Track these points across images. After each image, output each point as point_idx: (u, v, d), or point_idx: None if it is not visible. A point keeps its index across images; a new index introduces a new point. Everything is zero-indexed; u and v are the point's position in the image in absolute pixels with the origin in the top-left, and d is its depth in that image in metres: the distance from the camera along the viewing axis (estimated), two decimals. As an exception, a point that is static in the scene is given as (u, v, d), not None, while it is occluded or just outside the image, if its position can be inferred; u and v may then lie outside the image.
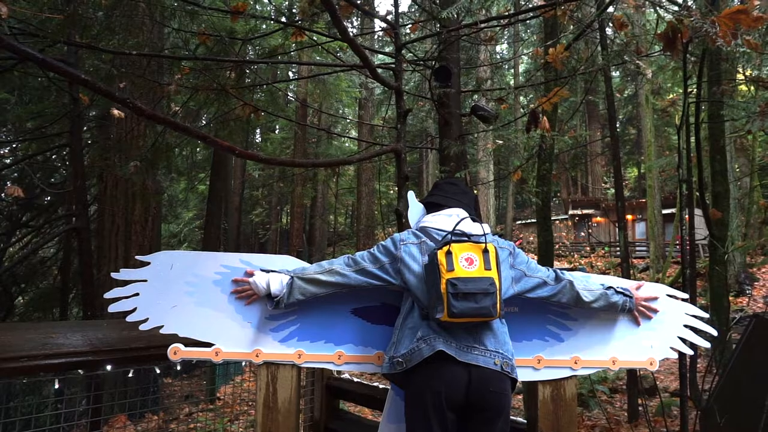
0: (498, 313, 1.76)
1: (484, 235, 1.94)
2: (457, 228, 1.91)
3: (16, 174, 10.12)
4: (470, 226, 1.99)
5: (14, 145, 9.74)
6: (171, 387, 8.29)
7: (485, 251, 1.82)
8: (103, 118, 8.84)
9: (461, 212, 2.08)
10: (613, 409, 6.06)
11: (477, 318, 1.75)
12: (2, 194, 9.31)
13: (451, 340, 1.80)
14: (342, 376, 3.38)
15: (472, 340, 1.81)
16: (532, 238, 28.00)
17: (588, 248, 27.13)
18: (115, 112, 6.11)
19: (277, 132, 23.99)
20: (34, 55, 1.43)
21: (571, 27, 5.11)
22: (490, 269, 1.79)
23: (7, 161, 9.23)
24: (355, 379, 3.36)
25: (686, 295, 2.26)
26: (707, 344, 2.27)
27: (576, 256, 25.45)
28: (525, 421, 2.31)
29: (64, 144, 8.37)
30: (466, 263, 1.79)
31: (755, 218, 15.08)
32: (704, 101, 5.77)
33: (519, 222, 33.43)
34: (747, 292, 13.12)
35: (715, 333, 2.25)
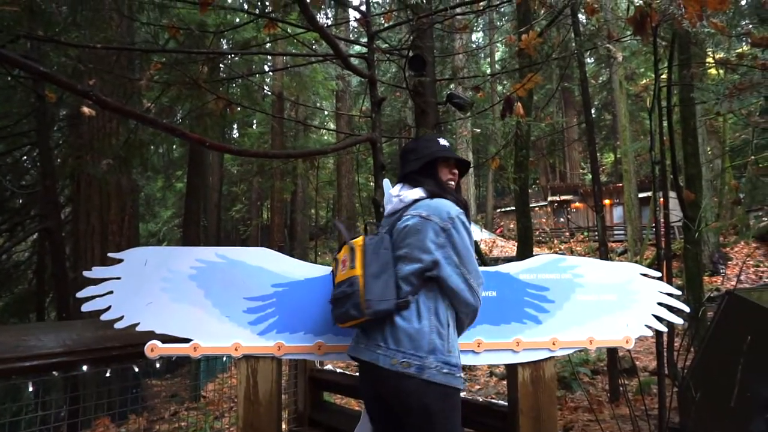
0: (362, 313, 1.68)
1: (405, 208, 1.87)
2: (386, 205, 1.96)
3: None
4: (406, 195, 1.90)
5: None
6: (155, 387, 8.20)
7: (351, 248, 1.80)
8: (74, 117, 8.63)
9: (399, 189, 1.96)
10: (595, 390, 6.17)
11: (350, 322, 1.75)
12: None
13: (362, 340, 1.81)
14: (325, 368, 3.38)
15: (377, 338, 1.74)
16: (512, 225, 28.24)
17: (567, 234, 27.51)
18: (86, 110, 5.96)
19: (254, 127, 23.72)
20: (-12, 48, 1.38)
21: (542, 12, 5.14)
22: (354, 267, 1.75)
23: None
24: (339, 370, 3.37)
25: (659, 274, 2.30)
26: (681, 321, 2.32)
27: (556, 241, 25.79)
28: (506, 404, 2.34)
29: (33, 143, 8.17)
30: (342, 266, 1.82)
31: (727, 199, 15.44)
32: (675, 85, 5.85)
33: (499, 210, 33.73)
34: (721, 271, 13.46)
35: (688, 310, 2.30)
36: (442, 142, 1.99)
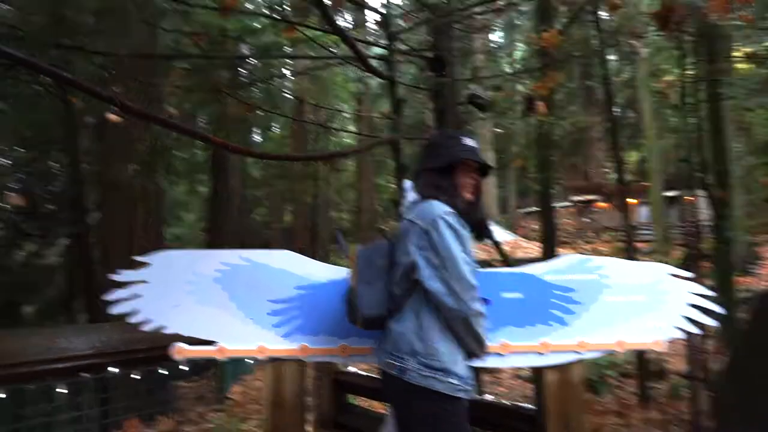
0: (357, 319, 1.80)
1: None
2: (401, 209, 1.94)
3: (17, 185, 10.13)
4: (409, 197, 1.93)
5: (13, 155, 9.75)
6: (182, 389, 8.31)
7: (350, 259, 1.88)
8: (100, 124, 8.82)
9: (408, 189, 1.97)
10: (624, 394, 6.04)
11: (358, 325, 1.82)
12: (5, 204, 9.33)
13: (378, 341, 1.87)
14: (349, 370, 3.37)
15: (380, 339, 1.85)
16: (535, 226, 27.91)
17: (592, 234, 27.06)
18: (112, 117, 6.10)
19: (275, 130, 23.92)
20: (15, 55, 1.42)
21: (563, 10, 5.07)
22: (351, 277, 1.86)
23: (6, 171, 9.24)
24: (363, 373, 3.36)
25: (690, 274, 2.24)
26: (714, 322, 2.25)
27: (580, 242, 25.38)
28: (533, 407, 2.30)
29: (62, 150, 8.37)
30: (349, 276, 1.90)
31: (759, 196, 15.01)
32: (702, 80, 5.71)
33: (521, 210, 33.35)
34: (753, 271, 13.07)
35: (721, 311, 2.23)
36: (467, 141, 1.91)
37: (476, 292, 1.71)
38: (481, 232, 1.94)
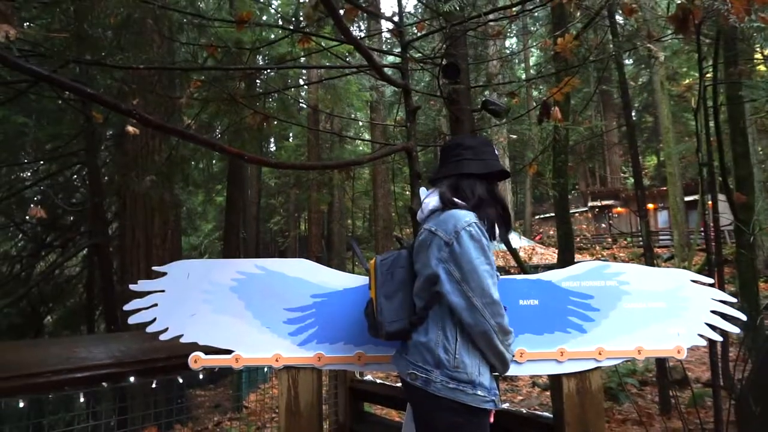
0: (379, 333, 1.77)
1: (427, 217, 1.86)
2: (419, 217, 1.90)
3: (38, 196, 10.34)
4: (428, 203, 1.88)
5: (35, 168, 9.95)
6: (199, 397, 8.37)
7: (368, 270, 1.89)
8: (120, 136, 8.99)
9: (426, 195, 1.93)
10: (644, 402, 5.94)
11: (381, 338, 1.81)
12: (26, 216, 9.51)
13: (399, 351, 1.86)
14: (365, 378, 3.36)
15: (401, 348, 1.83)
16: (552, 232, 27.68)
17: (609, 239, 26.74)
18: (131, 129, 6.21)
19: (291, 140, 24.15)
20: (39, 72, 1.46)
21: (578, 14, 5.04)
22: (370, 288, 1.86)
23: (28, 183, 9.43)
24: (379, 381, 3.35)
25: (711, 280, 2.19)
26: (737, 330, 2.20)
27: (597, 248, 25.10)
28: (551, 415, 2.27)
29: (82, 163, 8.53)
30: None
31: (782, 200, 14.68)
32: (721, 83, 5.63)
33: (538, 217, 33.13)
34: (777, 276, 12.78)
35: (744, 318, 2.18)
36: (497, 151, 1.91)
37: (499, 308, 1.66)
38: (506, 239, 1.94)
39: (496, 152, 1.89)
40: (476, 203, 1.79)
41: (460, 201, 1.78)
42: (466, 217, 1.71)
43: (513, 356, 1.79)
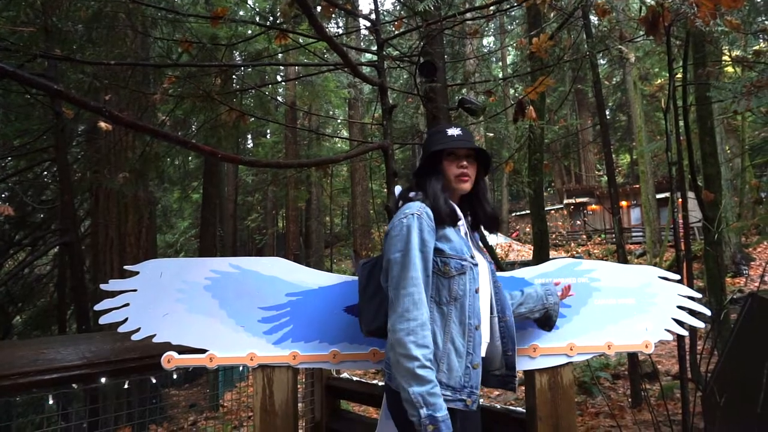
0: (362, 331, 1.87)
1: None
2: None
3: (6, 193, 10.06)
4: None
5: (2, 164, 9.67)
6: (175, 397, 8.26)
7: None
8: (91, 132, 8.79)
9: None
10: (616, 395, 6.06)
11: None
12: (-6, 213, 9.25)
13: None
14: (342, 376, 3.37)
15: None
16: (528, 229, 28.01)
17: (584, 236, 27.20)
18: (103, 124, 6.08)
19: (268, 137, 23.96)
20: (3, 68, 1.42)
21: (553, 15, 5.11)
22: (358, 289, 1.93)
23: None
24: (356, 378, 3.36)
25: (678, 276, 2.26)
26: (702, 324, 2.27)
27: (573, 245, 25.50)
28: (524, 410, 2.31)
29: (52, 159, 8.32)
30: None
31: (748, 198, 15.15)
32: (690, 84, 5.77)
33: (514, 214, 33.50)
34: (744, 272, 13.18)
35: (709, 313, 2.25)
36: (451, 131, 1.75)
37: (411, 304, 1.50)
38: (491, 226, 1.87)
39: (451, 133, 1.76)
40: (425, 192, 1.72)
41: (414, 194, 1.75)
42: (406, 209, 1.64)
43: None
